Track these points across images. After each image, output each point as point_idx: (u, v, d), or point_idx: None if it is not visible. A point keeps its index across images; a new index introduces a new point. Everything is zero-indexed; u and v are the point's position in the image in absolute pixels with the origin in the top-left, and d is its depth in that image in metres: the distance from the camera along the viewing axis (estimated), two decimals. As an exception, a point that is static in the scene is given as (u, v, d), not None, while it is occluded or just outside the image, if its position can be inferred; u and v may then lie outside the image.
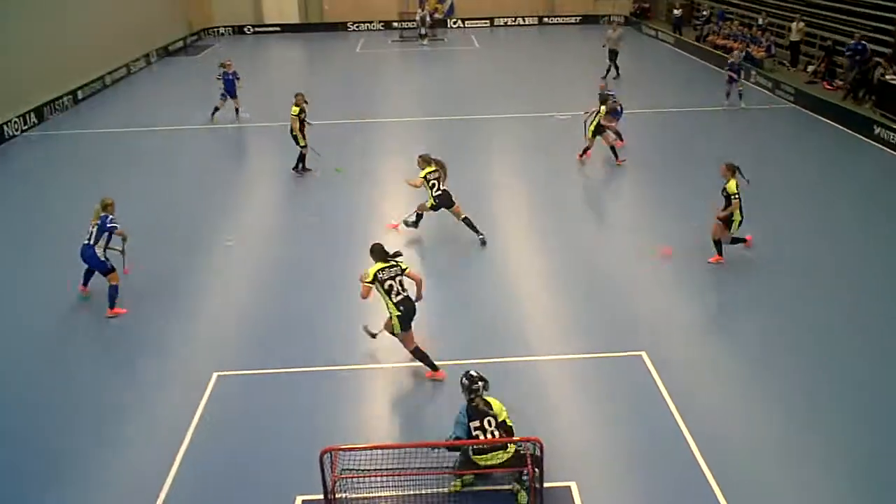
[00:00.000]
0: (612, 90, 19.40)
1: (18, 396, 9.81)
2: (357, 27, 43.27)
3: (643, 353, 10.15)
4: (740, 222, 12.48)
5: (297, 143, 17.70)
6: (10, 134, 22.24)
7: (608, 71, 27.61)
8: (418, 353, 9.76)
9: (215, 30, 42.73)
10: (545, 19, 43.32)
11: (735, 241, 12.77)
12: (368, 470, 7.53)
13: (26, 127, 23.16)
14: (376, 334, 10.37)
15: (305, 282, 12.66)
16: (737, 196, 12.20)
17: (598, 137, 17.91)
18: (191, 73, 32.87)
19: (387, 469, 7.53)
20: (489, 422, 7.62)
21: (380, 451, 7.64)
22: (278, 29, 43.03)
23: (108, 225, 11.41)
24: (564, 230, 14.59)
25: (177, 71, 33.47)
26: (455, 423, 7.73)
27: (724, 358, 10.25)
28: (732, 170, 12.35)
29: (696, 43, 33.30)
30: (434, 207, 13.95)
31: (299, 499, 7.70)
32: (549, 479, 7.28)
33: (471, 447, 7.59)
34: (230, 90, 22.78)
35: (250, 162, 20.16)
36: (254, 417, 9.26)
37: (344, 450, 7.42)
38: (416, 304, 9.69)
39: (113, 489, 8.11)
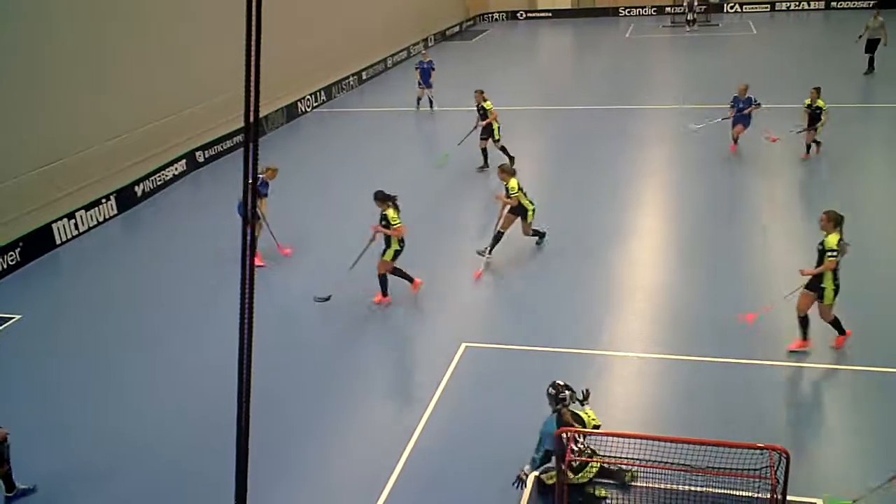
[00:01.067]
0: (752, 96, 17.41)
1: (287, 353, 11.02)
2: (628, 12, 42.61)
3: (919, 373, 9.23)
4: (835, 292, 9.36)
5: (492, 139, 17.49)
6: (303, 110, 24.66)
7: (870, 65, 24.71)
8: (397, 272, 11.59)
9: (490, 15, 44.09)
10: (833, 4, 39.87)
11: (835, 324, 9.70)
12: (600, 455, 7.64)
13: (317, 104, 25.53)
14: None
15: (559, 266, 12.88)
16: (834, 255, 9.14)
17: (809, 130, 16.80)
18: (464, 56, 34.26)
19: (615, 457, 7.57)
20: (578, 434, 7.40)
21: (615, 439, 7.68)
22: (549, 14, 43.50)
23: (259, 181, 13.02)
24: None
25: (451, 54, 34.99)
26: (542, 437, 7.52)
27: None
28: (836, 221, 9.31)
29: None
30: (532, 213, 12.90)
31: (533, 474, 7.95)
32: (795, 492, 6.90)
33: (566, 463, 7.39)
34: (426, 79, 23.23)
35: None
36: (496, 388, 9.67)
37: (578, 432, 7.56)
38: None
39: (363, 442, 8.93)
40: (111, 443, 9.09)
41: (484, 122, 17.30)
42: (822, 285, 9.24)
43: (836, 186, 15.74)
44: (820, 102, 16.50)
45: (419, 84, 23.52)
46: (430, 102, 23.51)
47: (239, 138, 20.60)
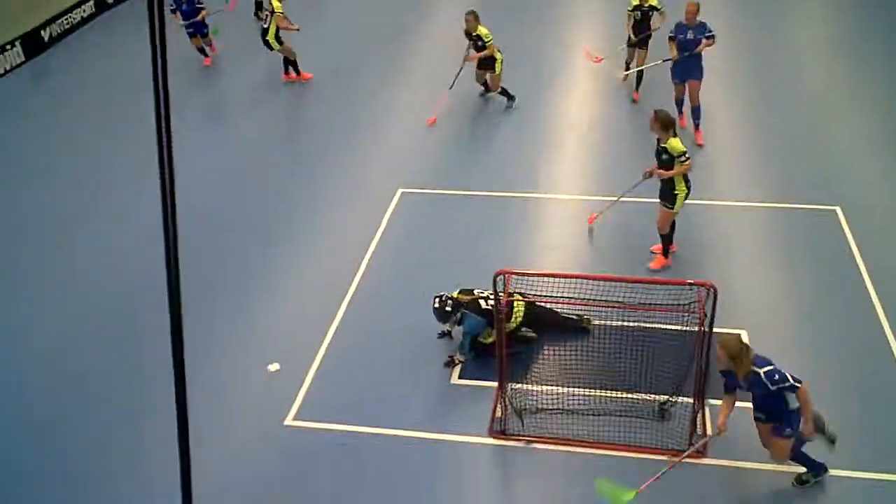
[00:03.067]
0: None
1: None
2: None
3: (837, 208, 9.60)
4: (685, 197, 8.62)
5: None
6: None
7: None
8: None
9: None
10: None
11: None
12: (535, 294, 7.83)
13: None
14: None
15: (493, 109, 12.70)
16: (688, 157, 8.35)
17: None
18: None
19: (550, 296, 7.77)
20: (486, 300, 7.62)
21: (550, 279, 7.84)
22: None
23: None
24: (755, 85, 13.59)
25: None
26: (466, 334, 7.65)
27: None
28: (669, 124, 8.39)
29: None
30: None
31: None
32: (721, 324, 7.20)
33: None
34: None
35: None
36: (433, 233, 9.74)
37: (517, 274, 7.67)
38: None
39: (307, 288, 9.00)
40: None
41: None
42: (675, 192, 8.52)
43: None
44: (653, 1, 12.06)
45: None
46: None
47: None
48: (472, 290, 7.83)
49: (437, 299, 7.59)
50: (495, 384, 7.20)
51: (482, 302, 7.67)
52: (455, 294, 7.71)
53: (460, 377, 7.61)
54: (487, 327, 7.71)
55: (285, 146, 12.17)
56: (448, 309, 7.55)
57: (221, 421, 7.17)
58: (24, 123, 13.26)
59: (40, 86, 15.00)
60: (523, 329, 7.92)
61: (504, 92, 12.47)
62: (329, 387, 7.62)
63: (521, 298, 7.78)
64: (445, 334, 8.02)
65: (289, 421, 7.19)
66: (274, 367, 7.78)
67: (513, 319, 7.70)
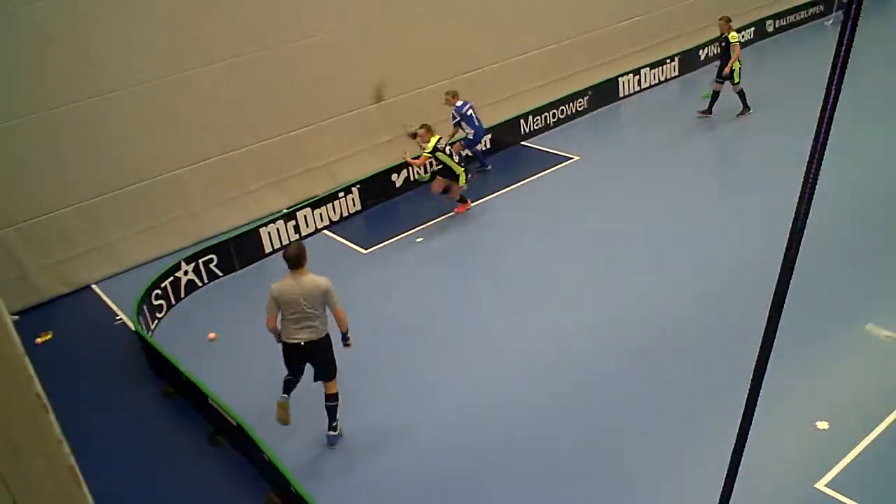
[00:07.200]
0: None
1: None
2: None
3: None
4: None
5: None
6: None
7: None
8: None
9: None
10: None
11: None
12: None
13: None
14: None
15: None
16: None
17: None
18: None
19: None
20: None
21: None
22: None
23: None
24: None
25: None
26: None
27: None
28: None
29: None
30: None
31: None
32: None
33: None
34: None
35: None
36: None
37: None
38: None
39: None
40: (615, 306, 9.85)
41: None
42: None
43: None
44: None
45: None
46: None
47: (814, 10, 19.36)
48: None
49: None
50: None
51: None
52: None
53: None
54: None
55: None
56: None
57: (755, 464, 7.20)
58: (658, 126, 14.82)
59: (687, 97, 16.40)
60: None
61: None
62: (878, 464, 7.03)
63: None
64: None
65: (820, 485, 6.91)
66: (823, 425, 7.54)
67: None
